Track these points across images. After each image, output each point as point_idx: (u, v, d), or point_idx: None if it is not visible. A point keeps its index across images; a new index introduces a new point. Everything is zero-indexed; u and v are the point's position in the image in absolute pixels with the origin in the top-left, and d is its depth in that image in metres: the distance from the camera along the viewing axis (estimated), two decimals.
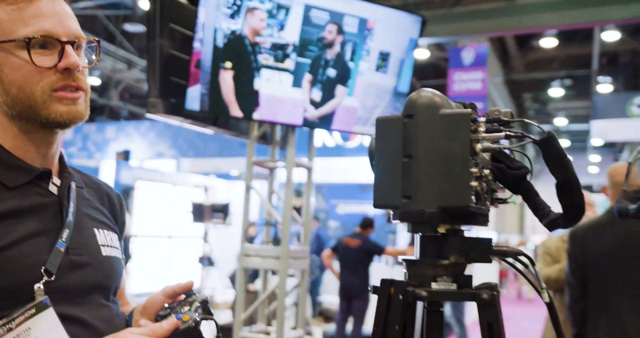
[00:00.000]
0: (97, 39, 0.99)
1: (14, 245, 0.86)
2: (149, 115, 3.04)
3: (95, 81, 12.04)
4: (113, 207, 1.13)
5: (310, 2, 3.15)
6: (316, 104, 3.32)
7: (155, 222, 9.03)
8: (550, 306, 0.93)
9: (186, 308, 0.90)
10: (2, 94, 0.91)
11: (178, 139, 11.53)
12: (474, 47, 9.70)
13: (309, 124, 3.36)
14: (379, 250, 5.97)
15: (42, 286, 0.86)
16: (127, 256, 7.38)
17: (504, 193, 1.01)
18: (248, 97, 3.11)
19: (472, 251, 0.91)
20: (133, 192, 8.70)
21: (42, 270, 0.87)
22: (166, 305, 0.96)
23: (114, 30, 9.94)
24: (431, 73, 12.79)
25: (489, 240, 0.92)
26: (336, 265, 6.36)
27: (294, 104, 3.25)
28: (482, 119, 0.88)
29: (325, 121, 3.39)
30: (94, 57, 1.00)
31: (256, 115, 3.16)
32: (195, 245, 9.35)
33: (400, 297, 0.89)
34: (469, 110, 0.87)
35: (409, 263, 0.94)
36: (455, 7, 7.83)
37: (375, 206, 0.91)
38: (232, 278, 7.55)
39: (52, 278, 0.87)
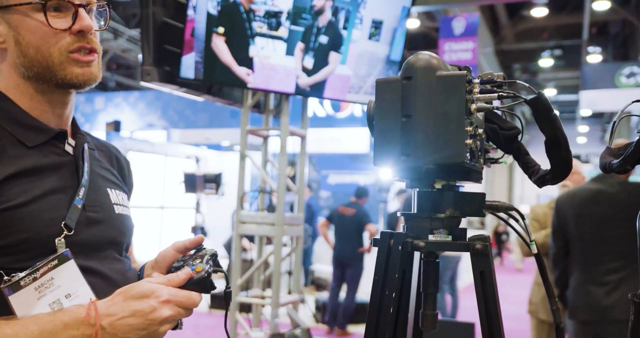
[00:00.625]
0: (106, 2, 1.02)
1: (35, 200, 0.91)
2: (143, 83, 3.04)
3: None
4: (122, 169, 1.18)
5: None
6: (308, 72, 3.34)
7: (147, 193, 9.06)
8: (538, 256, 0.99)
9: (198, 260, 0.96)
10: (20, 55, 0.94)
11: (168, 109, 11.48)
12: (465, 17, 9.66)
13: (301, 92, 3.38)
14: (367, 222, 6.06)
15: (62, 240, 0.91)
16: None
17: (496, 153, 1.07)
18: (243, 64, 3.12)
19: (467, 206, 0.97)
20: None
21: (62, 225, 0.92)
22: (179, 258, 1.02)
23: None
24: (422, 43, 12.74)
25: (483, 195, 0.98)
26: (330, 234, 6.46)
27: (287, 72, 3.27)
28: (477, 80, 0.92)
29: (318, 89, 3.41)
30: (102, 22, 1.03)
31: (250, 83, 3.18)
32: (188, 216, 9.41)
33: (399, 247, 0.95)
34: (464, 72, 0.92)
35: (407, 217, 1.00)
36: None
37: (376, 164, 0.95)
38: (227, 247, 7.64)
39: (71, 233, 0.92)
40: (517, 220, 1.00)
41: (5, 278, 0.86)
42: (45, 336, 0.81)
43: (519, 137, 1.01)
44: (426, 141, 0.90)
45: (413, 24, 10.50)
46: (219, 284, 0.99)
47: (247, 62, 3.14)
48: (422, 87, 0.90)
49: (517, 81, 1.01)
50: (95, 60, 0.98)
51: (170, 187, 9.11)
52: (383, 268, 0.97)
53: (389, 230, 0.99)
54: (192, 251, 1.03)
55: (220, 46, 3.01)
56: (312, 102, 9.40)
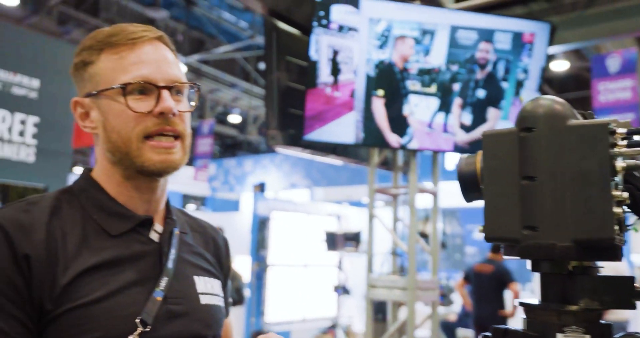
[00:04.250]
0: (196, 84, 0.98)
1: (112, 295, 0.85)
2: (275, 147, 3.10)
3: (236, 119, 12.84)
4: (218, 251, 1.10)
5: (456, 22, 3.03)
6: (467, 128, 3.18)
7: (291, 251, 9.24)
8: None
9: None
10: (106, 141, 0.93)
11: (311, 169, 11.83)
12: (620, 54, 8.81)
13: (461, 150, 3.22)
14: (508, 280, 5.51)
15: None
16: (234, 298, 7.57)
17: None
18: (398, 124, 3.08)
19: (609, 294, 0.72)
20: (269, 222, 9.00)
21: (138, 321, 0.84)
22: None
23: (250, 69, 10.56)
24: (572, 85, 11.85)
25: (631, 279, 0.73)
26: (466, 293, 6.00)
27: (441, 129, 3.15)
28: (622, 130, 0.71)
29: (479, 147, 3.16)
30: (193, 103, 0.99)
31: (410, 144, 3.12)
32: (330, 274, 9.39)
33: None
34: (607, 120, 0.71)
35: (527, 308, 0.77)
36: (588, 9, 7.19)
37: (488, 239, 0.76)
38: None
39: (148, 329, 0.85)
40: None
41: None
42: None
43: None
44: (558, 211, 0.68)
45: (562, 66, 9.82)
46: None
47: (402, 121, 3.09)
48: (549, 141, 0.70)
49: None
50: (177, 147, 0.93)
51: (314, 245, 9.21)
52: None
53: (502, 326, 0.77)
54: None
55: (378, 108, 3.03)
56: (451, 154, 9.06)
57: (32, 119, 4.47)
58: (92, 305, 0.83)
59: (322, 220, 9.92)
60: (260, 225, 8.81)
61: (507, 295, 5.62)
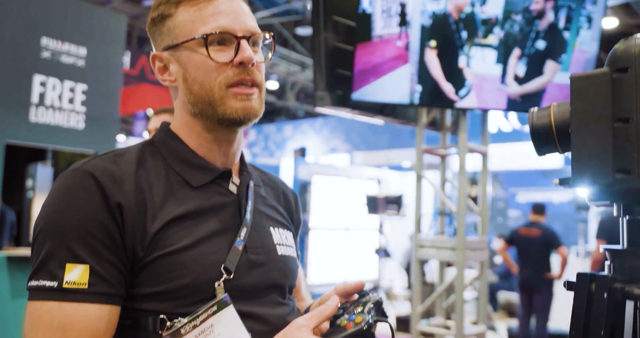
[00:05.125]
0: (272, 34, 0.98)
1: (198, 244, 0.88)
2: (318, 109, 3.08)
3: (274, 85, 12.84)
4: (289, 204, 1.13)
5: None
6: (520, 80, 3.04)
7: (332, 215, 9.33)
8: None
9: (359, 309, 0.85)
10: (187, 92, 0.94)
11: (351, 133, 11.79)
12: None
13: (514, 107, 3.09)
14: (557, 244, 5.45)
15: (222, 284, 0.87)
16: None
17: None
18: (453, 76, 3.00)
19: None
20: (310, 187, 9.08)
21: (222, 268, 0.88)
22: (339, 305, 0.92)
23: (287, 35, 10.48)
24: None
25: None
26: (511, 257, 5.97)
27: (496, 82, 3.04)
28: None
29: (533, 101, 3.05)
30: (270, 54, 1.00)
31: (467, 98, 3.01)
32: (371, 237, 9.47)
33: (605, 295, 0.73)
34: None
35: (614, 254, 0.77)
36: None
37: (575, 184, 0.74)
38: (408, 269, 7.48)
39: (231, 276, 0.88)
40: None
41: (168, 323, 0.84)
42: None
43: None
44: None
45: (610, 23, 9.36)
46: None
47: (456, 74, 3.00)
48: None
49: None
50: (256, 94, 0.94)
51: (354, 209, 9.27)
52: (582, 322, 0.75)
53: (588, 271, 0.77)
54: (356, 296, 0.92)
55: (432, 60, 2.94)
56: (496, 116, 8.86)
57: (81, 87, 4.58)
58: (180, 253, 0.86)
59: (363, 183, 9.94)
60: (302, 189, 8.90)
61: (555, 258, 5.57)
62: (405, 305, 8.16)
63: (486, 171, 3.37)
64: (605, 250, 0.78)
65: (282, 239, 1.02)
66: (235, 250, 0.90)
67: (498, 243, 6.02)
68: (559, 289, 5.49)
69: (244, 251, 0.92)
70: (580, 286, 0.76)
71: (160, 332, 0.83)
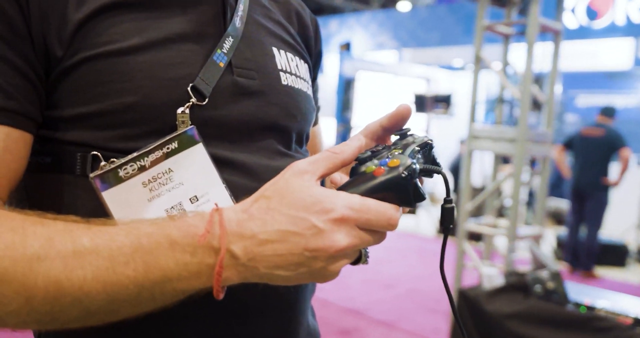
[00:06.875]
0: None
1: (152, 46, 0.58)
2: None
3: None
4: (305, 30, 0.79)
5: None
6: None
7: (376, 113, 8.97)
8: None
9: (397, 151, 0.52)
10: None
11: (399, 29, 11.07)
12: None
13: None
14: (620, 145, 4.97)
15: (187, 112, 0.57)
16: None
17: None
18: None
19: None
20: (354, 83, 8.68)
21: (189, 88, 0.57)
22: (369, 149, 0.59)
23: None
24: None
25: None
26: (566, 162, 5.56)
27: None
28: None
29: None
30: None
31: None
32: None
33: None
34: None
35: None
36: None
37: None
38: (453, 171, 7.20)
39: (204, 103, 0.58)
40: None
41: (103, 163, 0.55)
42: (138, 257, 0.47)
43: None
44: None
45: None
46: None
47: None
48: None
49: None
50: None
51: None
52: None
53: None
54: (394, 139, 0.60)
55: None
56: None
57: None
58: (122, 56, 0.56)
59: (411, 82, 9.44)
60: (346, 86, 8.50)
61: (613, 163, 5.13)
62: None
63: (558, 53, 2.88)
64: None
65: (290, 66, 0.69)
66: (213, 64, 0.59)
67: (557, 147, 5.59)
68: (615, 196, 5.12)
69: (228, 70, 0.61)
70: None
71: (90, 174, 0.54)
